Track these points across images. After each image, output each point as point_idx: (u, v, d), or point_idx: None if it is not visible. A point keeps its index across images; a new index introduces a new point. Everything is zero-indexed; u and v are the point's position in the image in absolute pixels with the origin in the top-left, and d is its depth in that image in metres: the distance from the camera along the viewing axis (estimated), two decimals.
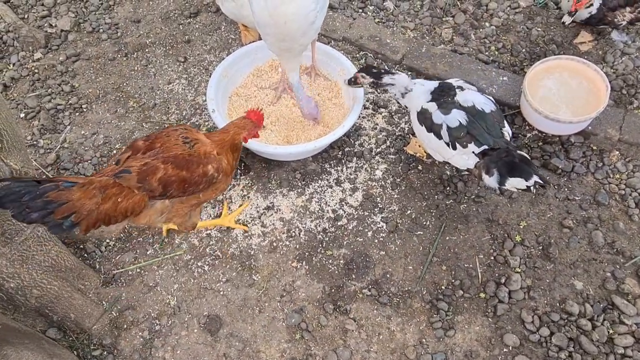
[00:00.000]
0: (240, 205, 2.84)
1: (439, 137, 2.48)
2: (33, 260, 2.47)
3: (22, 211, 1.91)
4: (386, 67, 2.56)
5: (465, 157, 2.48)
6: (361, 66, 2.66)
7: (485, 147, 2.40)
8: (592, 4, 3.04)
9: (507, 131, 2.49)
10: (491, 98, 2.52)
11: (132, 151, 2.27)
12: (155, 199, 2.22)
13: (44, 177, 2.32)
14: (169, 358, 2.48)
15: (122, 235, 2.82)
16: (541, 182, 2.32)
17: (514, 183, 2.36)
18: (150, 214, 2.26)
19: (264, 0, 2.41)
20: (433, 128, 2.49)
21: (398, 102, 2.68)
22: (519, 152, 2.40)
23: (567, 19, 3.15)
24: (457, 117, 2.42)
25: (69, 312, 2.58)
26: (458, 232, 2.73)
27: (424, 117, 2.53)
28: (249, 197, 2.88)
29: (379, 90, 2.65)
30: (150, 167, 2.15)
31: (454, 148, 2.46)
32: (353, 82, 2.68)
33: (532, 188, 2.33)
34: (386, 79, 2.54)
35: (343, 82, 2.82)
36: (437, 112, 2.47)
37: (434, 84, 2.58)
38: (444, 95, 2.51)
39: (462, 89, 2.51)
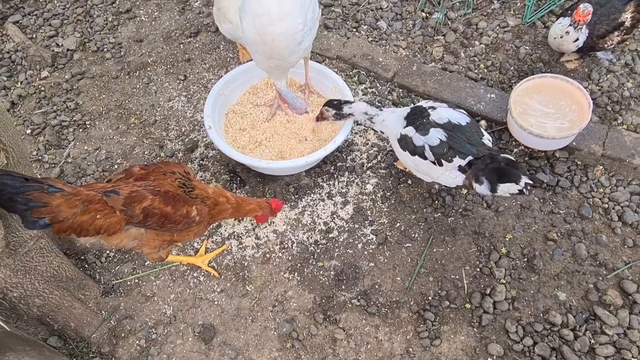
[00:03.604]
0: (219, 247, 2.89)
1: (424, 157, 2.58)
2: (35, 271, 2.58)
3: (7, 200, 2.02)
4: (346, 99, 2.82)
5: (452, 176, 2.57)
6: (332, 101, 2.90)
7: (470, 157, 2.49)
8: (578, 39, 3.10)
9: (487, 139, 2.58)
10: (464, 111, 2.62)
11: (126, 175, 2.36)
12: (133, 225, 2.31)
13: (37, 176, 2.43)
14: None
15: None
16: (531, 182, 2.40)
17: (506, 189, 2.44)
18: (122, 237, 2.33)
19: (252, 20, 2.54)
20: (416, 150, 2.58)
21: (374, 130, 2.81)
22: (502, 155, 2.48)
23: (570, 30, 3.08)
24: (436, 136, 2.52)
25: (69, 321, 2.68)
26: (445, 244, 2.82)
27: (405, 142, 2.63)
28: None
29: (345, 120, 2.83)
30: (139, 195, 2.25)
31: (441, 165, 2.55)
32: (320, 117, 2.86)
33: (524, 190, 2.41)
34: (345, 109, 2.78)
35: (315, 121, 2.98)
36: (416, 134, 2.57)
37: (406, 109, 2.69)
38: (418, 118, 2.61)
39: (434, 108, 2.61)
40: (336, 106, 2.82)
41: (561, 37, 3.11)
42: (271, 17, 2.51)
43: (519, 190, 2.41)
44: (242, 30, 2.68)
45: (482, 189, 2.48)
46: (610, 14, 3.10)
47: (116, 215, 2.23)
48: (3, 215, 2.37)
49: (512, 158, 2.47)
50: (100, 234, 2.27)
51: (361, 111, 2.77)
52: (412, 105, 2.75)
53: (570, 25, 3.03)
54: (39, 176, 3.12)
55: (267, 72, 2.89)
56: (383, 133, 2.80)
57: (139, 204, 2.23)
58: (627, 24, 3.12)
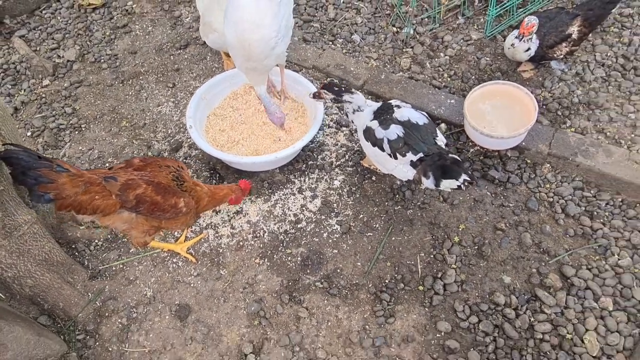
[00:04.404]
0: (197, 236, 3.15)
1: (382, 149, 2.86)
2: (29, 254, 2.85)
3: (20, 173, 2.33)
4: (346, 86, 2.96)
5: (405, 170, 2.85)
6: (325, 83, 3.05)
7: (421, 154, 2.76)
8: (529, 49, 3.40)
9: (441, 140, 2.86)
10: (424, 113, 2.90)
11: (126, 165, 2.70)
12: (126, 209, 2.61)
13: (49, 156, 2.75)
14: (143, 341, 2.82)
15: (109, 236, 3.20)
16: (469, 179, 2.67)
17: (447, 184, 2.72)
18: (115, 219, 2.64)
19: (233, 27, 2.88)
20: (376, 142, 2.87)
21: (347, 117, 3.06)
22: (450, 155, 2.75)
23: (515, 42, 3.40)
24: (395, 131, 2.80)
25: (59, 301, 2.94)
26: (403, 234, 3.07)
27: (368, 133, 2.91)
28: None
29: (337, 106, 3.03)
30: (134, 183, 2.56)
31: (395, 157, 2.83)
32: (317, 96, 3.08)
33: (462, 186, 2.68)
34: (346, 97, 2.92)
35: (308, 96, 3.19)
36: (379, 128, 2.86)
37: (377, 105, 2.97)
38: (383, 114, 2.89)
39: (399, 107, 2.90)
40: (336, 92, 2.92)
41: (513, 46, 3.41)
42: (249, 25, 2.85)
43: (457, 185, 2.68)
44: (225, 37, 3.00)
45: (428, 182, 2.75)
46: (559, 27, 3.40)
47: (112, 199, 2.54)
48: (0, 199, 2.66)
49: (457, 158, 2.74)
50: (97, 213, 2.57)
51: (358, 103, 2.93)
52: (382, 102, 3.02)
53: (516, 37, 3.34)
54: None
55: (247, 76, 3.20)
56: (353, 123, 3.06)
57: (133, 190, 2.54)
58: (574, 36, 3.42)
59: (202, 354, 2.74)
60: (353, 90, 2.96)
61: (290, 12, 3.05)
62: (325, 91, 2.99)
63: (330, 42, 4.08)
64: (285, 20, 2.97)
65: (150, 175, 2.63)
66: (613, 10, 3.51)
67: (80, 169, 2.57)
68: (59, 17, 4.55)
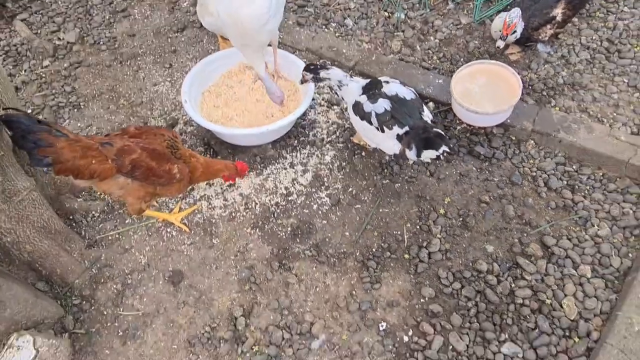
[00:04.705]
0: (191, 207, 3.25)
1: (370, 123, 2.96)
2: (27, 220, 2.94)
3: (19, 137, 2.43)
4: (322, 64, 3.07)
5: (391, 144, 2.95)
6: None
7: (407, 127, 2.86)
8: (515, 31, 3.51)
9: (427, 115, 2.96)
10: (412, 89, 3.00)
11: (122, 132, 2.80)
12: (121, 174, 2.70)
13: (47, 120, 2.85)
14: (137, 305, 2.92)
15: (106, 208, 3.30)
16: (449, 150, 2.78)
17: (427, 154, 2.83)
18: (111, 184, 2.73)
19: (225, 5, 2.99)
20: (365, 116, 2.97)
21: (337, 94, 3.16)
22: (434, 129, 2.85)
23: (500, 44, 3.55)
24: (382, 105, 2.90)
25: (56, 267, 3.03)
26: (391, 206, 3.17)
27: (357, 108, 3.01)
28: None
29: (322, 84, 3.12)
30: (129, 148, 2.66)
31: (382, 131, 2.93)
32: (302, 81, 3.20)
33: (440, 156, 2.79)
34: (322, 73, 3.04)
35: (299, 83, 3.32)
36: (367, 102, 2.96)
37: (365, 81, 3.07)
38: (372, 89, 2.99)
39: (387, 82, 3.00)
40: (313, 70, 3.05)
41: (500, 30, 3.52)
42: (241, 2, 2.96)
43: (436, 155, 2.79)
44: (219, 15, 3.11)
45: (411, 154, 2.86)
46: (543, 9, 3.51)
47: (109, 164, 2.63)
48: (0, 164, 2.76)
49: (441, 131, 2.84)
50: (94, 178, 2.67)
51: (337, 78, 3.04)
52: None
53: (500, 39, 3.42)
54: None
55: (243, 53, 3.30)
56: (344, 99, 3.17)
57: (129, 155, 2.64)
58: (559, 18, 3.53)
59: (193, 317, 2.84)
60: (328, 65, 3.07)
61: None
62: (305, 72, 3.11)
63: (324, 26, 4.18)
64: None
65: (145, 142, 2.73)
66: None
67: (78, 134, 2.67)
68: (59, 2, 4.65)
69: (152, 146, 2.72)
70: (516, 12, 3.41)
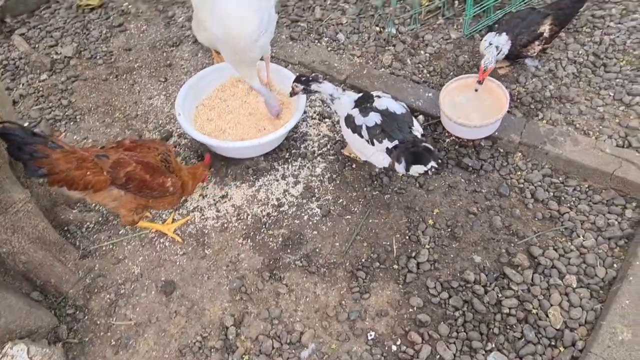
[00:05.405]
0: (184, 217, 3.30)
1: (361, 136, 3.02)
2: (23, 231, 2.99)
3: (15, 148, 2.49)
4: (314, 77, 3.12)
5: (381, 158, 3.01)
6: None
7: (397, 141, 2.93)
8: (501, 51, 3.48)
9: (417, 129, 3.02)
10: (403, 104, 3.07)
11: (118, 145, 2.87)
12: (115, 186, 2.76)
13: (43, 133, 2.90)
14: (130, 314, 2.95)
15: (100, 219, 3.35)
16: (437, 166, 2.84)
17: (416, 169, 2.88)
18: (105, 195, 2.79)
19: (218, 22, 3.08)
20: (356, 129, 3.03)
21: (330, 107, 3.23)
22: (423, 143, 2.92)
23: (477, 87, 3.49)
24: (373, 119, 2.97)
25: (50, 277, 3.07)
26: (380, 217, 3.22)
27: (349, 121, 3.08)
28: (207, 188, 3.42)
29: (313, 97, 3.19)
30: (124, 161, 2.73)
31: (372, 144, 2.99)
32: (292, 93, 3.27)
33: (429, 171, 2.85)
34: (314, 86, 3.10)
35: (288, 96, 3.39)
36: (359, 115, 3.02)
37: (358, 95, 3.14)
38: (364, 102, 3.06)
39: (379, 97, 3.07)
40: (304, 82, 3.10)
41: (486, 48, 3.59)
42: (232, 21, 3.04)
43: (425, 171, 2.85)
44: (212, 33, 3.18)
45: (400, 167, 2.92)
46: (531, 26, 3.59)
47: (103, 175, 2.69)
48: None
49: (430, 146, 2.90)
50: (88, 189, 2.72)
51: (327, 91, 3.10)
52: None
53: (478, 82, 3.45)
54: None
55: (237, 69, 3.38)
56: (336, 113, 3.23)
57: (124, 168, 2.70)
58: (546, 34, 3.61)
59: (185, 327, 2.88)
60: (320, 79, 3.12)
61: (272, 5, 3.24)
62: (296, 84, 3.16)
63: (316, 41, 4.27)
64: (267, 14, 3.16)
65: (139, 155, 2.79)
66: (581, 9, 3.70)
67: (74, 146, 2.72)
68: (57, 17, 4.75)
69: (147, 159, 2.79)
70: (492, 55, 3.40)
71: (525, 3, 4.25)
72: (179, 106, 3.41)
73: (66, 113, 3.96)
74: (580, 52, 3.92)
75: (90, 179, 2.68)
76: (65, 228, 3.34)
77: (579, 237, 3.04)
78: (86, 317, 2.96)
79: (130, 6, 4.76)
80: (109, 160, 2.70)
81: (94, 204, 3.38)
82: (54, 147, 2.58)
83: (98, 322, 2.94)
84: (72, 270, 3.13)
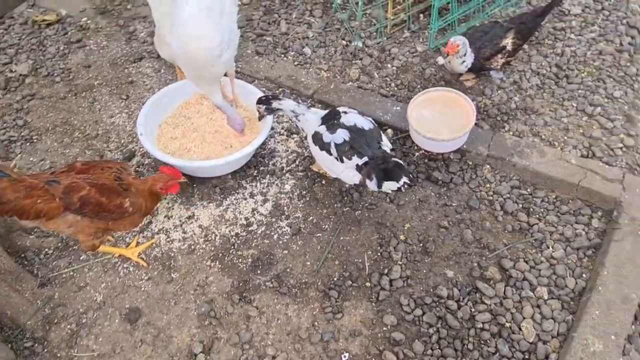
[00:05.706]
0: (148, 240, 3.17)
1: (330, 153, 2.97)
2: None
3: None
4: (273, 95, 3.08)
5: (351, 175, 2.96)
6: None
7: (366, 158, 2.89)
8: (465, 61, 3.60)
9: (386, 145, 2.99)
10: (370, 119, 3.04)
11: (69, 169, 2.73)
12: (70, 212, 2.63)
13: None
14: (92, 345, 2.81)
15: (60, 245, 3.20)
16: (409, 182, 2.81)
17: (388, 186, 2.85)
18: (59, 222, 2.66)
19: (178, 39, 2.99)
20: (324, 146, 2.98)
21: (296, 125, 3.18)
22: (394, 159, 2.89)
23: (440, 60, 3.69)
24: (341, 135, 2.93)
25: (6, 309, 2.90)
26: (351, 234, 3.17)
27: (316, 138, 3.02)
28: (172, 208, 3.31)
29: (276, 115, 3.14)
30: (77, 185, 2.60)
31: (342, 161, 2.94)
32: (259, 117, 3.22)
33: (401, 188, 2.82)
34: (275, 104, 3.08)
35: (257, 119, 3.33)
36: (326, 132, 2.97)
37: (324, 111, 3.10)
38: (331, 119, 3.02)
39: (346, 113, 3.03)
40: (264, 102, 3.10)
41: (449, 62, 3.62)
42: (192, 38, 2.96)
43: (397, 187, 2.82)
44: (171, 49, 3.09)
45: (372, 185, 2.88)
46: (493, 40, 3.63)
47: (55, 202, 2.56)
48: None
49: (400, 161, 2.87)
50: (40, 217, 2.58)
51: (289, 108, 3.07)
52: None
53: (440, 56, 3.53)
54: None
55: (198, 85, 3.29)
56: (303, 130, 3.18)
57: (77, 193, 2.57)
58: (509, 48, 3.65)
59: (151, 356, 2.75)
60: (281, 97, 3.11)
61: (234, 21, 3.17)
62: (259, 106, 3.14)
63: (283, 55, 4.21)
64: (228, 29, 3.09)
65: (93, 177, 2.66)
66: (543, 23, 3.76)
67: (22, 174, 2.59)
68: (12, 33, 4.57)
69: (101, 181, 2.66)
70: (461, 38, 3.51)
71: (489, 16, 4.31)
72: (140, 125, 3.30)
73: (22, 134, 3.79)
74: (543, 64, 3.98)
75: (42, 207, 2.54)
76: (22, 255, 3.18)
77: (549, 248, 3.06)
78: (46, 350, 2.81)
79: (89, 21, 4.61)
80: (60, 185, 2.57)
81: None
82: (1, 176, 2.44)
83: (58, 355, 2.78)
84: (30, 300, 2.97)
